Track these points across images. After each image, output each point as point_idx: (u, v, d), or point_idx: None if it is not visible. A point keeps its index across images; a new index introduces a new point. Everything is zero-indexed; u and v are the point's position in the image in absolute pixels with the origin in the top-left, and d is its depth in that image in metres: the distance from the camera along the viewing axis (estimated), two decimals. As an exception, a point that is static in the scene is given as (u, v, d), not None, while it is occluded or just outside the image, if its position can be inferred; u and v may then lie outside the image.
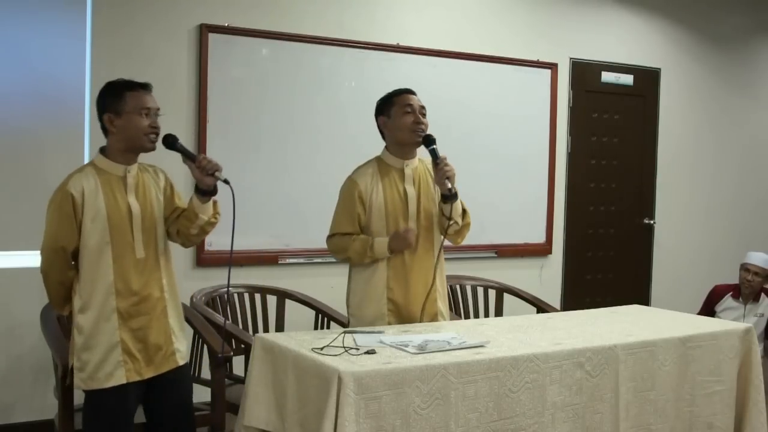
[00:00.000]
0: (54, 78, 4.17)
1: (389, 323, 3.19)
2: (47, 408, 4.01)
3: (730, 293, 4.92)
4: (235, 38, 4.60)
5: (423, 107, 3.25)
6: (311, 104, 4.85)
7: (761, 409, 3.31)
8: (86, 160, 4.23)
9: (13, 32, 4.08)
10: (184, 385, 2.97)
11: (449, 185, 3.13)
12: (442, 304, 3.34)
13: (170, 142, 2.84)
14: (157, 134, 2.80)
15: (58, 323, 3.38)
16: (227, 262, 4.37)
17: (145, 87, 2.80)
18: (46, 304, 3.46)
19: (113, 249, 2.73)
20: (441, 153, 3.16)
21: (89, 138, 4.25)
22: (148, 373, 2.80)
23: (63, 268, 2.75)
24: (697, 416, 3.15)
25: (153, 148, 2.82)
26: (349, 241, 3.20)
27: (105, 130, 2.81)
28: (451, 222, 3.21)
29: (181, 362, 2.90)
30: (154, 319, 2.81)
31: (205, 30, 4.51)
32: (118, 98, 2.75)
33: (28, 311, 3.81)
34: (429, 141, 3.19)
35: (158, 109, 2.82)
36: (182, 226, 2.88)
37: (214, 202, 2.89)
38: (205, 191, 2.82)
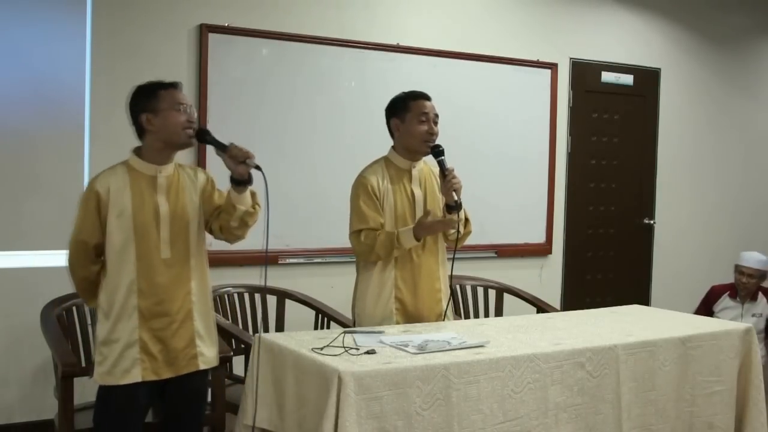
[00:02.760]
0: (54, 79, 4.17)
1: (397, 323, 3.20)
2: (47, 408, 4.01)
3: (728, 293, 4.92)
4: (235, 38, 4.60)
5: (437, 115, 3.26)
6: (311, 104, 4.85)
7: (761, 409, 3.31)
8: (86, 161, 4.24)
9: (13, 33, 4.08)
10: (199, 392, 2.95)
11: (456, 197, 3.15)
12: (445, 305, 3.35)
13: (202, 135, 2.85)
14: (194, 129, 2.82)
15: (58, 323, 3.38)
16: (228, 262, 4.39)
17: (175, 85, 2.83)
18: (46, 304, 3.47)
19: (137, 247, 2.74)
20: (449, 165, 3.18)
21: (89, 138, 4.25)
22: (166, 374, 2.79)
23: (85, 262, 2.78)
24: (698, 416, 3.15)
25: (190, 144, 2.84)
26: (375, 237, 3.16)
27: (141, 132, 2.81)
28: (453, 231, 3.24)
29: (203, 366, 2.88)
30: (178, 321, 2.80)
31: (205, 30, 4.51)
32: (152, 97, 2.77)
33: (28, 311, 3.80)
34: (438, 152, 3.21)
35: (191, 105, 2.84)
36: (223, 220, 2.87)
37: (253, 194, 2.87)
38: (239, 181, 2.81)
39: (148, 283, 2.74)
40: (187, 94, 4.40)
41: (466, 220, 3.34)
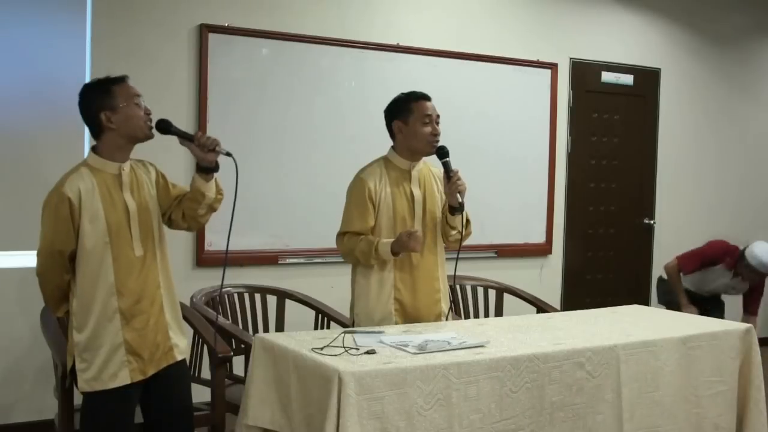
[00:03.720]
0: (54, 78, 4.17)
1: (396, 323, 3.20)
2: (47, 408, 4.01)
3: (727, 259, 4.85)
4: (235, 38, 4.60)
5: (438, 115, 3.27)
6: (311, 104, 4.85)
7: (762, 409, 3.31)
8: (86, 160, 4.24)
9: (13, 33, 4.08)
10: (183, 382, 2.94)
11: (460, 199, 3.16)
12: (445, 305, 3.35)
13: (164, 126, 2.81)
14: (151, 120, 2.78)
15: (58, 323, 3.38)
16: (227, 263, 4.38)
17: (124, 79, 2.77)
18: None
19: (113, 249, 2.71)
20: (454, 167, 3.18)
21: (89, 138, 4.24)
22: (150, 371, 2.79)
23: (59, 272, 2.73)
24: (704, 417, 3.15)
25: (152, 136, 2.79)
26: (356, 241, 3.19)
27: (99, 130, 2.75)
28: (455, 232, 3.25)
29: (180, 357, 2.88)
30: (153, 316, 2.79)
31: (205, 30, 4.51)
32: (107, 94, 2.72)
33: (28, 311, 3.81)
34: (443, 153, 3.21)
35: (141, 95, 2.79)
36: (188, 209, 2.86)
37: (215, 180, 2.87)
38: (207, 168, 2.80)
39: (125, 283, 2.72)
40: (188, 94, 4.48)
41: (467, 221, 3.34)
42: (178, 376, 2.90)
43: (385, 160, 3.32)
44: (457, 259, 3.24)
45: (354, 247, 3.19)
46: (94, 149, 2.80)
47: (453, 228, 3.26)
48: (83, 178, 2.72)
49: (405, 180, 3.28)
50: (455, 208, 3.19)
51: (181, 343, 2.90)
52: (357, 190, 3.23)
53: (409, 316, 3.24)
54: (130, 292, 2.74)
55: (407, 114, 3.24)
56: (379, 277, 3.22)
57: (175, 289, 2.93)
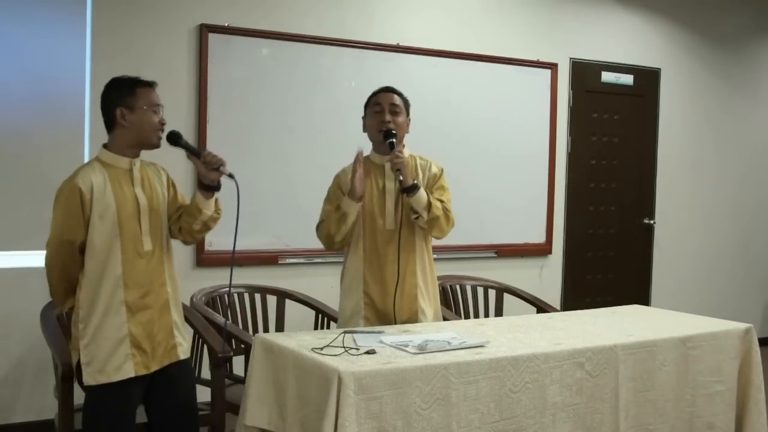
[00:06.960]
0: (54, 78, 4.18)
1: (366, 317, 3.20)
2: (47, 408, 4.01)
3: None
4: (235, 38, 4.60)
5: (394, 104, 3.25)
6: (311, 104, 4.85)
7: (761, 409, 3.31)
8: (86, 160, 4.23)
9: (13, 32, 4.08)
10: (186, 381, 2.95)
11: (400, 177, 3.11)
12: (425, 303, 3.27)
13: (174, 138, 2.86)
14: (164, 131, 2.83)
15: (58, 323, 3.38)
16: (228, 262, 4.39)
17: (152, 85, 2.84)
18: (46, 304, 3.46)
19: (122, 242, 2.74)
20: (399, 147, 3.16)
21: (89, 137, 4.25)
22: (154, 366, 2.80)
23: (68, 262, 2.75)
24: (698, 416, 3.15)
25: (159, 145, 2.84)
26: (325, 219, 3.23)
27: (112, 124, 2.80)
28: (415, 216, 3.17)
29: (183, 356, 2.89)
30: (158, 311, 2.81)
31: (205, 30, 4.51)
32: (130, 94, 2.77)
33: (28, 311, 3.80)
34: (387, 135, 3.19)
35: (163, 107, 2.86)
36: (185, 222, 2.89)
37: (215, 199, 2.90)
38: (209, 186, 2.83)
39: (132, 276, 2.75)
40: (188, 93, 4.48)
41: (429, 204, 3.16)
42: (181, 375, 2.91)
43: (366, 157, 3.33)
44: (399, 253, 3.16)
45: (324, 222, 3.21)
46: (105, 145, 2.84)
47: (413, 212, 3.17)
48: (96, 172, 2.76)
49: (379, 174, 3.27)
50: (405, 189, 3.12)
51: (185, 342, 2.93)
52: (331, 186, 3.31)
53: (378, 311, 3.21)
54: (136, 285, 2.76)
55: (366, 109, 3.31)
56: (352, 270, 3.24)
57: (180, 290, 2.96)
